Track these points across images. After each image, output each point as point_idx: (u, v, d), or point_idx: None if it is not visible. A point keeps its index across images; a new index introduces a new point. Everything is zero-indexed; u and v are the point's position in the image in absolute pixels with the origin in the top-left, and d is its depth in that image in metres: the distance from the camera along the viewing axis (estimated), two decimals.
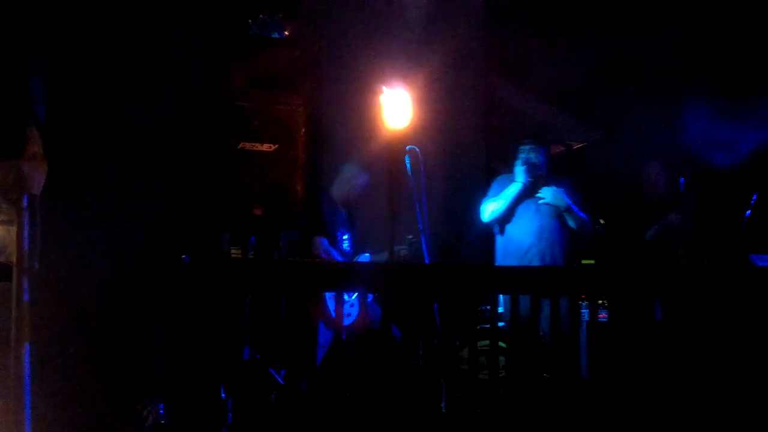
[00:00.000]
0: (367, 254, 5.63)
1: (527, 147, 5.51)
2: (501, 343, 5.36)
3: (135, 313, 4.50)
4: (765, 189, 5.56)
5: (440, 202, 6.28)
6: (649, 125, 6.87)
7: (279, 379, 4.33)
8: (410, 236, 5.59)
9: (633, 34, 7.13)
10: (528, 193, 5.45)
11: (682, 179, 5.71)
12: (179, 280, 4.21)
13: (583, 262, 6.53)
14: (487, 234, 7.06)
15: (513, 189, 5.43)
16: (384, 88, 4.67)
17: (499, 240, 5.60)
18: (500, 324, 5.55)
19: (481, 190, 7.12)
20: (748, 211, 5.51)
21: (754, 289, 4.22)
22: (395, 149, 4.96)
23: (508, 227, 5.50)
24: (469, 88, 7.18)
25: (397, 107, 4.77)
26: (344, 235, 5.57)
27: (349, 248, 5.58)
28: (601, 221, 6.46)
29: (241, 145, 4.21)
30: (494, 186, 5.66)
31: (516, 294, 4.33)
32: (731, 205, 5.77)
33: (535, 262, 5.36)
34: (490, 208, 5.49)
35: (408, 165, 5.17)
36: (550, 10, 7.27)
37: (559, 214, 5.47)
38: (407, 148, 5.17)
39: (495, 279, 4.34)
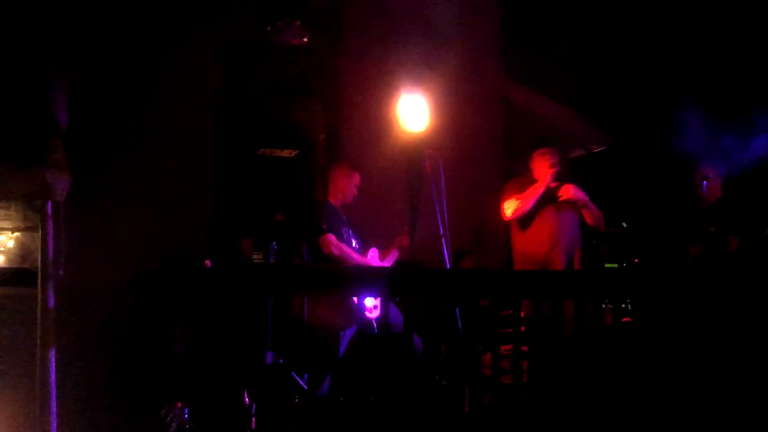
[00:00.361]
0: (374, 248, 5.65)
1: (550, 151, 5.60)
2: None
3: (158, 319, 4.51)
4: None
5: (459, 206, 6.26)
6: (668, 129, 6.84)
7: (302, 384, 4.33)
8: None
9: (650, 39, 7.11)
10: (549, 193, 5.54)
11: (704, 182, 5.69)
12: (202, 286, 4.21)
13: (606, 265, 6.52)
14: (507, 238, 7.06)
15: (537, 189, 5.52)
16: (402, 93, 4.67)
17: (519, 237, 5.67)
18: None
19: (500, 192, 7.16)
20: None
21: None
22: (414, 154, 4.97)
23: (531, 224, 5.57)
24: (487, 92, 7.17)
25: (414, 112, 4.77)
26: (350, 231, 5.58)
27: (356, 245, 5.59)
28: (624, 224, 6.45)
29: (261, 151, 4.21)
30: (507, 187, 5.77)
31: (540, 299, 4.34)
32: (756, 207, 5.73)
33: (560, 258, 5.45)
34: (513, 206, 5.57)
35: (428, 169, 5.18)
36: (568, 16, 7.26)
37: (576, 212, 5.58)
38: (426, 152, 5.19)
39: (518, 284, 4.32)
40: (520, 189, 5.62)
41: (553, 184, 5.54)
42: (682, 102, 6.93)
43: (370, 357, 4.75)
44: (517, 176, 5.96)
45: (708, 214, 5.85)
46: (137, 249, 4.71)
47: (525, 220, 5.58)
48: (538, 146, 5.69)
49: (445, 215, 5.16)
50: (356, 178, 5.67)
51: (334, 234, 5.34)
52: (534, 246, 5.55)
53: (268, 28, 4.79)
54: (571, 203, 5.55)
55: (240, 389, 4.18)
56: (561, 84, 7.53)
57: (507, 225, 7.07)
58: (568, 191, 5.52)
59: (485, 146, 7.10)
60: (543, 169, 5.57)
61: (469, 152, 6.88)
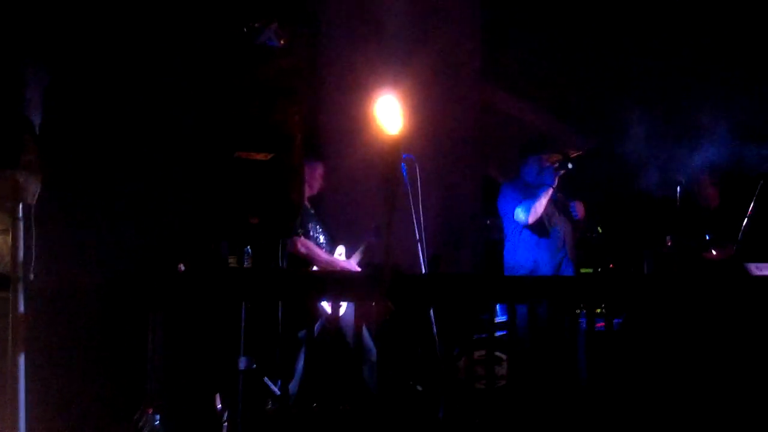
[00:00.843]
0: (342, 246, 5.64)
1: (542, 154, 5.76)
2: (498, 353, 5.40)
3: (131, 323, 4.47)
4: (763, 198, 5.58)
5: (437, 211, 6.27)
6: (646, 134, 6.87)
7: (275, 389, 4.31)
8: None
9: (628, 43, 7.15)
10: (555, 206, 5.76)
11: (678, 186, 5.74)
12: (176, 289, 4.18)
13: (582, 270, 6.55)
14: (486, 241, 7.08)
15: (546, 191, 5.59)
16: (378, 95, 4.66)
17: (530, 237, 5.70)
18: (499, 333, 5.57)
19: (478, 198, 7.18)
20: (746, 220, 5.51)
21: (749, 298, 4.21)
22: (390, 156, 4.95)
23: (544, 229, 5.68)
24: (465, 96, 7.17)
25: (390, 114, 4.76)
26: (317, 226, 5.56)
27: (324, 243, 5.57)
28: (599, 229, 6.47)
29: (237, 154, 4.19)
30: (511, 192, 5.79)
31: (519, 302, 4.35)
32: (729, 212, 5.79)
33: (567, 260, 5.67)
34: (529, 211, 5.59)
35: (404, 173, 5.17)
36: (545, 19, 7.28)
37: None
38: (404, 156, 5.17)
39: (493, 288, 4.33)
40: (523, 193, 5.66)
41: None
42: (663, 107, 6.99)
43: (338, 361, 4.74)
44: (495, 179, 5.99)
45: (711, 220, 5.93)
46: (111, 252, 4.66)
47: (537, 225, 5.63)
48: (541, 148, 5.79)
49: (421, 219, 5.15)
50: (320, 169, 5.64)
51: (302, 230, 5.33)
52: (547, 243, 5.67)
53: (245, 30, 4.75)
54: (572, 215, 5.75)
55: (212, 394, 4.16)
56: (539, 88, 7.55)
57: (486, 229, 7.12)
58: (581, 209, 5.72)
59: (463, 150, 7.09)
60: (544, 171, 5.66)
61: (446, 155, 6.88)
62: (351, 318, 4.85)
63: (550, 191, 5.59)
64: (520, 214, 5.61)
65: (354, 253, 5.72)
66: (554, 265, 5.62)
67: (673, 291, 4.35)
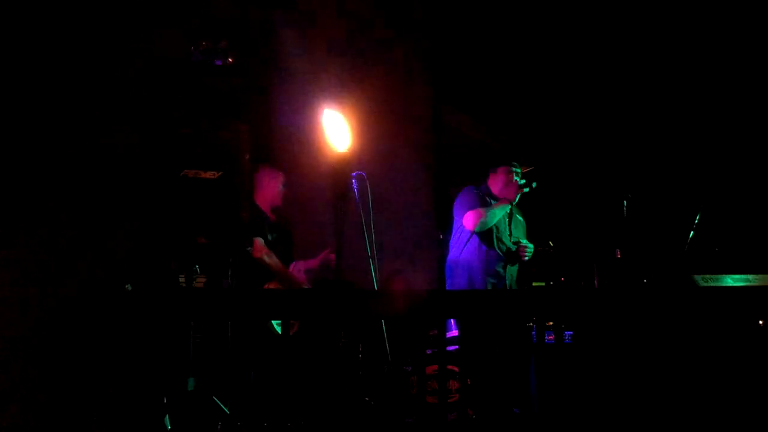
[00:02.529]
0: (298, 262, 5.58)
1: (514, 167, 5.73)
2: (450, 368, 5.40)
3: (75, 346, 4.39)
4: (708, 209, 5.67)
5: (390, 227, 6.27)
6: (592, 149, 7.00)
7: (224, 409, 4.26)
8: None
9: (579, 59, 7.26)
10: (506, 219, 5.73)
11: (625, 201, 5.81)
12: (122, 311, 4.12)
13: (534, 284, 6.60)
14: (439, 257, 7.10)
15: (502, 206, 5.59)
16: (326, 113, 4.67)
17: (478, 245, 5.63)
18: (450, 348, 5.58)
19: (431, 214, 7.20)
20: (692, 232, 5.60)
21: (696, 310, 4.26)
22: (341, 174, 4.96)
23: (492, 239, 5.63)
24: (417, 112, 7.21)
25: (338, 132, 4.77)
26: (274, 235, 5.47)
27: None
28: (551, 243, 6.53)
29: (183, 173, 4.17)
30: (467, 196, 5.71)
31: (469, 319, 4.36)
32: (675, 224, 5.87)
33: (506, 282, 5.62)
34: (479, 220, 5.52)
35: (355, 190, 5.17)
36: (496, 37, 7.37)
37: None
38: (354, 173, 5.18)
39: (450, 305, 4.32)
40: (480, 200, 5.61)
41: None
42: (610, 121, 7.11)
43: (289, 378, 4.70)
44: (448, 194, 5.98)
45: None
46: (54, 275, 4.58)
47: (486, 233, 5.58)
48: (506, 161, 5.76)
49: (373, 236, 5.15)
50: (281, 178, 5.53)
51: (261, 238, 5.24)
52: (494, 263, 5.60)
53: (193, 48, 4.74)
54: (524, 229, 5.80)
55: (161, 416, 4.10)
56: (491, 104, 7.62)
57: (439, 245, 7.14)
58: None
59: (416, 167, 7.12)
60: (510, 185, 5.64)
61: (399, 173, 6.90)
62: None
63: (507, 207, 5.60)
64: (468, 219, 5.54)
65: (307, 265, 5.62)
66: (490, 278, 5.57)
67: (621, 303, 4.38)
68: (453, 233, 5.77)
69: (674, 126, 6.71)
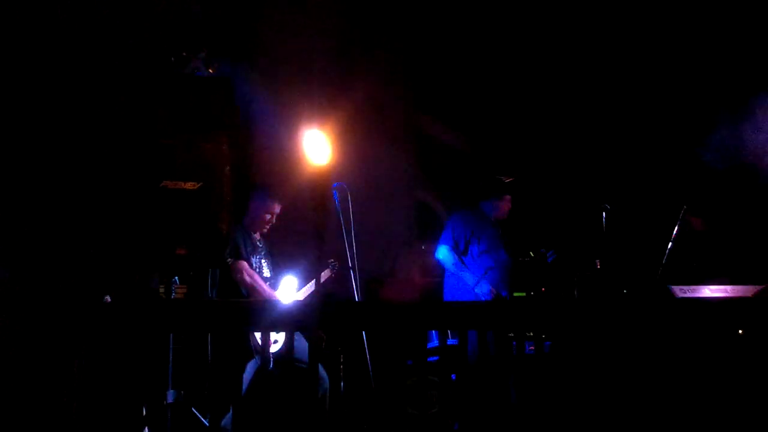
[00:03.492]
0: (291, 277, 5.54)
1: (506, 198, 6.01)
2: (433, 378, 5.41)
3: (55, 357, 4.36)
4: (686, 222, 5.72)
5: (371, 238, 6.27)
6: (571, 160, 7.04)
7: (204, 421, 4.24)
8: (332, 260, 5.58)
9: (556, 70, 7.32)
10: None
11: (604, 212, 5.85)
12: (101, 322, 4.10)
13: (515, 294, 6.62)
14: (420, 268, 7.11)
15: (467, 279, 5.71)
16: (305, 128, 4.66)
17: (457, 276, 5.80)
18: (431, 359, 5.59)
19: (411, 225, 7.22)
20: (671, 243, 5.64)
21: (673, 320, 4.29)
22: (323, 186, 4.95)
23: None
24: (397, 124, 7.24)
25: (318, 146, 4.77)
26: (261, 260, 5.47)
27: (270, 272, 5.48)
28: (531, 254, 6.55)
29: (163, 184, 4.16)
30: (456, 223, 5.89)
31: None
32: (654, 235, 5.92)
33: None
34: (446, 262, 5.78)
35: (336, 201, 5.17)
36: (474, 49, 7.41)
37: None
38: (335, 184, 5.18)
39: (431, 316, 4.32)
40: (464, 233, 5.80)
41: None
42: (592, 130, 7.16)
43: (272, 394, 4.68)
44: (428, 206, 6.03)
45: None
46: (32, 286, 4.55)
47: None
48: (503, 193, 6.02)
49: (354, 247, 5.15)
50: (274, 208, 5.51)
51: (246, 260, 5.24)
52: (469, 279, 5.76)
53: (173, 59, 4.73)
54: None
55: (140, 428, 4.07)
56: (471, 116, 7.66)
57: (421, 255, 7.15)
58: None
59: (397, 178, 7.15)
60: (500, 211, 5.96)
61: (381, 184, 6.92)
62: (304, 348, 4.77)
63: (467, 283, 5.71)
64: (439, 253, 5.83)
65: (304, 286, 5.60)
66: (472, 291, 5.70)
67: (600, 314, 4.40)
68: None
69: (652, 137, 6.77)
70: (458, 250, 5.77)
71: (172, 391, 4.05)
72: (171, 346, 4.09)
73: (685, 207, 5.68)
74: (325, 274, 5.47)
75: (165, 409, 4.06)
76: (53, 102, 4.74)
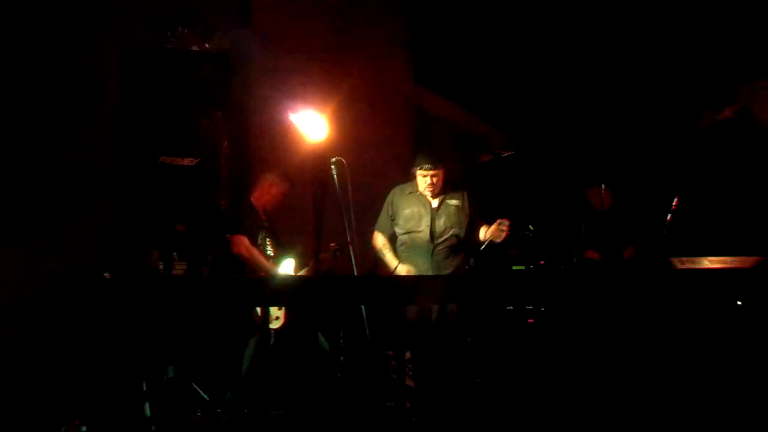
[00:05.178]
0: (291, 259, 5.57)
1: (423, 170, 5.41)
2: None
3: (57, 333, 4.39)
4: (685, 192, 5.70)
5: (369, 213, 6.27)
6: (570, 135, 7.03)
7: (204, 396, 4.27)
8: (333, 244, 5.56)
9: (556, 48, 7.29)
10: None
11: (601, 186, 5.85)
12: (101, 298, 4.12)
13: (514, 267, 6.64)
14: None
15: (389, 261, 5.42)
16: (300, 106, 4.64)
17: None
18: None
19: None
20: (669, 215, 5.63)
21: (673, 291, 4.30)
22: (321, 160, 4.94)
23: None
24: (397, 99, 7.20)
25: (314, 123, 4.76)
26: (267, 239, 5.48)
27: (274, 251, 5.50)
28: (530, 227, 6.55)
29: (161, 160, 4.15)
30: (388, 199, 5.62)
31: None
32: (652, 208, 5.92)
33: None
34: (375, 243, 5.55)
35: (334, 176, 5.16)
36: (474, 22, 7.38)
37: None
38: (333, 159, 5.16)
39: (428, 289, 4.31)
40: (393, 208, 5.54)
41: None
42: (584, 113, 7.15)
43: (272, 369, 4.70)
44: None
45: (604, 222, 6.04)
46: (35, 263, 4.58)
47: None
48: (417, 163, 5.49)
49: (353, 222, 5.14)
50: (283, 188, 5.53)
51: (248, 236, 5.24)
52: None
53: (169, 34, 4.71)
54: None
55: (140, 403, 4.10)
56: (471, 89, 7.63)
57: None
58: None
59: (396, 153, 7.12)
60: (422, 186, 5.45)
61: (379, 158, 6.89)
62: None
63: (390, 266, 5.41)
64: (374, 233, 5.59)
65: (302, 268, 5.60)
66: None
67: (599, 285, 4.41)
68: None
69: (650, 111, 6.75)
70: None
71: (172, 366, 4.08)
72: (171, 322, 4.10)
73: (683, 181, 5.69)
74: (325, 256, 5.45)
75: (165, 384, 4.08)
76: (46, 75, 4.73)
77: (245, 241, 5.19)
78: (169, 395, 4.01)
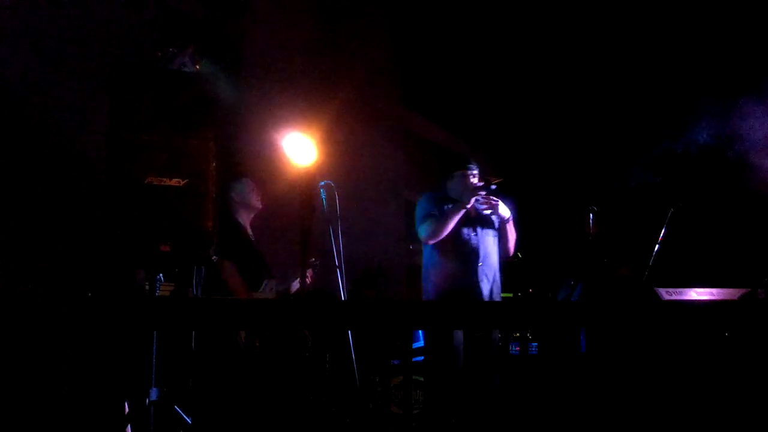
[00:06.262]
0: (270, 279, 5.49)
1: (470, 171, 5.41)
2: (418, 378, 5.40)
3: (36, 353, 4.33)
4: (673, 223, 5.73)
5: (358, 236, 6.25)
6: (559, 161, 7.05)
7: (186, 419, 4.21)
8: (313, 259, 5.50)
9: (544, 70, 7.34)
10: (468, 215, 5.31)
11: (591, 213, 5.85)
12: (83, 319, 4.06)
13: (502, 295, 6.62)
14: (407, 269, 7.11)
15: (455, 209, 5.24)
16: (288, 131, 4.63)
17: (434, 261, 5.33)
18: (417, 359, 5.58)
19: (399, 224, 7.21)
20: (657, 245, 5.65)
21: (659, 322, 4.29)
22: (307, 185, 4.93)
23: (451, 248, 5.28)
24: (385, 121, 7.23)
25: (301, 148, 4.76)
26: (254, 254, 5.39)
27: (257, 265, 5.40)
28: (519, 255, 6.55)
29: (148, 180, 4.11)
30: (423, 204, 5.42)
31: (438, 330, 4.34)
32: (640, 236, 5.93)
33: (481, 285, 5.25)
34: (430, 228, 5.24)
35: (323, 199, 5.15)
36: (462, 46, 7.42)
37: (496, 233, 5.42)
38: (321, 183, 5.16)
39: (418, 315, 4.28)
40: (438, 206, 5.31)
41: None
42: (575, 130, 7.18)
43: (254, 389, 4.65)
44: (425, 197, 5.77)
45: (594, 246, 6.02)
46: (14, 282, 4.51)
47: (444, 243, 5.24)
48: (461, 164, 5.45)
49: (341, 246, 5.13)
50: (253, 186, 5.50)
51: (236, 262, 5.16)
52: (455, 272, 5.23)
53: (159, 54, 4.69)
54: (493, 222, 5.40)
55: (122, 425, 4.04)
56: (459, 116, 7.66)
57: (408, 255, 7.15)
58: (501, 206, 5.32)
59: (385, 177, 7.14)
60: (466, 187, 5.32)
61: (368, 183, 6.91)
62: None
63: (461, 212, 5.23)
64: (420, 231, 5.29)
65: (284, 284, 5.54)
66: (468, 283, 5.22)
67: (586, 316, 4.40)
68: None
69: (640, 138, 6.78)
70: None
71: (155, 388, 4.02)
72: (155, 343, 4.05)
73: (672, 209, 5.69)
74: (308, 274, 5.37)
75: (147, 406, 4.02)
76: (31, 93, 4.70)
77: (233, 269, 5.13)
78: (151, 418, 3.95)
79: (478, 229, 5.36)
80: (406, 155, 7.43)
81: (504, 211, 5.39)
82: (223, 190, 5.28)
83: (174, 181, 4.20)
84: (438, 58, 7.43)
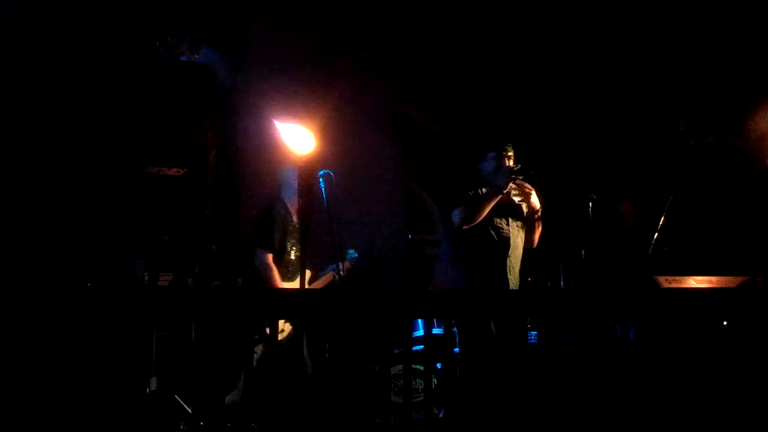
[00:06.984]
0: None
1: (506, 152, 5.03)
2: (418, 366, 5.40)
3: (35, 344, 4.33)
4: (672, 211, 5.72)
5: (358, 227, 6.26)
6: (558, 150, 7.05)
7: (187, 408, 4.22)
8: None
9: (544, 60, 7.33)
10: (501, 202, 4.94)
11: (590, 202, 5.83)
12: (82, 308, 4.07)
13: None
14: (406, 258, 7.10)
15: (491, 195, 4.88)
16: (277, 124, 4.58)
17: (462, 249, 4.97)
18: (416, 348, 5.59)
19: (399, 213, 7.21)
20: (656, 233, 5.64)
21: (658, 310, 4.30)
22: (306, 174, 4.91)
23: (477, 238, 4.94)
24: (384, 111, 7.21)
25: (298, 137, 4.73)
26: (296, 243, 5.22)
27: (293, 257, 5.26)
28: None
29: (147, 169, 4.12)
30: (456, 189, 5.06)
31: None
32: (641, 225, 5.93)
33: (509, 277, 4.97)
34: (464, 212, 4.86)
35: (323, 189, 5.11)
36: (462, 38, 7.41)
37: (524, 224, 5.10)
38: (320, 172, 5.12)
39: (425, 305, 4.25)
40: (470, 191, 4.97)
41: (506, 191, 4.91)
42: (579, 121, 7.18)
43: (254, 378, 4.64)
44: (417, 194, 5.81)
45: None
46: (18, 270, 4.52)
47: (474, 230, 4.89)
48: (497, 145, 5.04)
49: (340, 235, 5.10)
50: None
51: (270, 249, 5.05)
52: (484, 261, 4.91)
53: (158, 44, 4.70)
54: (521, 212, 5.07)
55: (123, 416, 4.04)
56: (461, 107, 7.65)
57: (407, 244, 7.13)
58: (533, 195, 5.00)
59: (384, 167, 7.13)
60: (500, 170, 4.94)
61: (368, 172, 6.90)
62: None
63: (497, 197, 4.87)
64: (454, 214, 4.90)
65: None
66: (496, 275, 4.90)
67: (586, 304, 4.40)
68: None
69: (640, 126, 6.78)
70: None
71: (154, 377, 4.03)
72: (155, 333, 4.06)
73: (671, 198, 5.68)
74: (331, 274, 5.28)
75: (148, 395, 4.03)
76: (33, 83, 4.70)
77: (269, 260, 4.98)
78: (151, 407, 3.97)
79: (510, 219, 5.03)
80: (408, 146, 7.42)
81: (536, 201, 5.04)
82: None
83: (173, 171, 4.22)
84: (435, 46, 7.42)
